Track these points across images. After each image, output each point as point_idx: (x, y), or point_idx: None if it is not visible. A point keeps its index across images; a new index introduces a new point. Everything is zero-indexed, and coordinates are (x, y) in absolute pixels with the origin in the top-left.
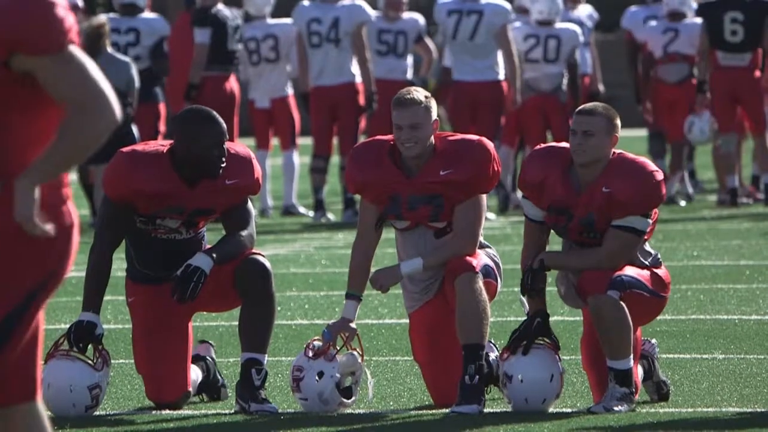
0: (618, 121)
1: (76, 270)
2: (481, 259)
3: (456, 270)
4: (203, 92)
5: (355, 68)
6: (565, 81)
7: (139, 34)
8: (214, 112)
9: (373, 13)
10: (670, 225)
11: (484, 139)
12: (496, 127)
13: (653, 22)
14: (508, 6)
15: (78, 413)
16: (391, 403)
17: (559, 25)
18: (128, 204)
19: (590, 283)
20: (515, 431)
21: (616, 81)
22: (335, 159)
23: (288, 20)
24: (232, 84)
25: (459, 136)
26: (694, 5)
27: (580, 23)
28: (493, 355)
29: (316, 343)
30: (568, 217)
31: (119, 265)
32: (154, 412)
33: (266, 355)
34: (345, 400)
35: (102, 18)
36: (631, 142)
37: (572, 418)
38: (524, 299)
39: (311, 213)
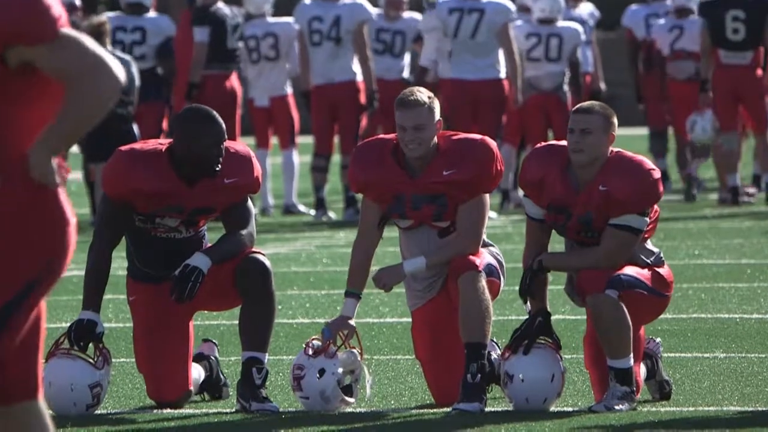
0: (615, 120)
1: (76, 269)
2: (484, 257)
3: (459, 269)
4: (204, 91)
5: (356, 67)
6: (567, 80)
7: (145, 33)
8: (214, 112)
9: (374, 11)
10: (671, 223)
11: (487, 139)
12: (497, 126)
13: (661, 20)
14: (509, 4)
15: (79, 412)
16: (392, 402)
17: (560, 23)
18: (127, 202)
19: (588, 283)
20: (517, 430)
21: (616, 79)
22: (336, 158)
23: (288, 19)
24: (233, 83)
25: (462, 135)
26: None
27: (581, 21)
28: (495, 354)
29: (316, 342)
30: (567, 216)
31: (120, 264)
32: (155, 411)
33: (267, 354)
34: (346, 398)
35: (102, 17)
36: (631, 140)
37: (573, 417)
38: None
39: (312, 212)
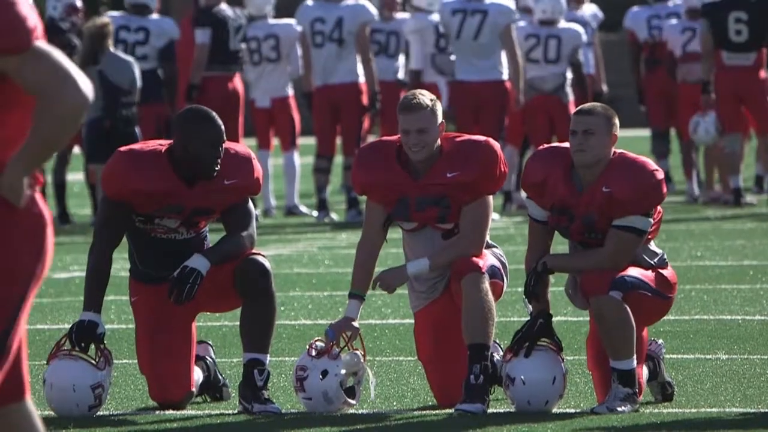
0: (617, 121)
1: (78, 270)
2: (487, 259)
3: (462, 270)
4: (206, 92)
5: (358, 68)
6: (569, 81)
7: (148, 34)
8: (213, 113)
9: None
10: (674, 225)
11: (491, 140)
12: (499, 127)
13: (673, 21)
14: (512, 6)
15: (81, 413)
16: (395, 404)
17: (561, 24)
18: (127, 203)
19: (592, 284)
20: (519, 431)
21: (618, 81)
22: (338, 159)
23: (289, 20)
24: (236, 84)
25: (465, 136)
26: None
27: (583, 23)
28: (497, 356)
29: (319, 343)
30: (570, 218)
31: (123, 265)
32: (157, 412)
33: (268, 355)
34: (349, 400)
35: (105, 18)
36: (633, 142)
37: (575, 419)
38: (527, 300)
39: (314, 213)
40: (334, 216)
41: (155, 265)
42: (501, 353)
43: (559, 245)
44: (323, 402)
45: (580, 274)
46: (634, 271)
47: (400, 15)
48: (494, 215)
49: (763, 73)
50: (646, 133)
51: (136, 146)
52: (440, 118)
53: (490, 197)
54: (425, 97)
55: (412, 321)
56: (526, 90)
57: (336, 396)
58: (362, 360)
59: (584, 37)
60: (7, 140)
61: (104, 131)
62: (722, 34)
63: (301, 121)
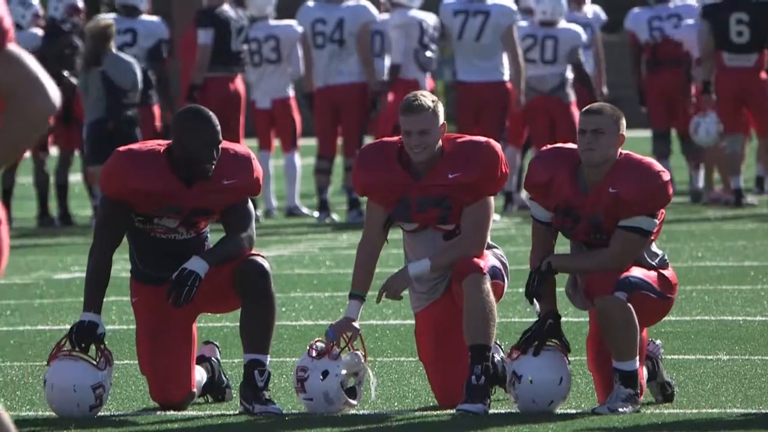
0: (624, 121)
1: (79, 271)
2: (488, 260)
3: (464, 271)
4: (207, 93)
5: (359, 69)
6: (569, 82)
7: (136, 35)
8: (210, 113)
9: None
10: (675, 226)
11: (492, 141)
12: (501, 128)
13: (689, 21)
14: (514, 7)
15: (82, 413)
16: (396, 404)
17: (561, 25)
18: (125, 203)
19: (597, 285)
20: None
21: (619, 82)
22: (338, 159)
23: (290, 21)
24: (237, 85)
25: (467, 137)
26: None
27: (584, 24)
28: (498, 357)
29: (319, 344)
30: (574, 218)
31: (123, 266)
32: (158, 412)
33: (269, 356)
34: (350, 400)
35: (109, 20)
36: (634, 143)
37: (576, 419)
38: (528, 300)
39: (315, 214)
40: (335, 216)
41: (155, 266)
42: (502, 354)
43: (560, 246)
44: (324, 403)
45: (582, 275)
46: (637, 272)
47: (384, 15)
48: (495, 216)
49: (764, 75)
50: (646, 134)
51: (134, 146)
52: (442, 119)
53: (491, 198)
54: (427, 98)
55: (413, 322)
56: (525, 91)
57: (337, 397)
58: (363, 360)
59: (583, 38)
60: None
61: (107, 132)
62: (723, 35)
63: (301, 122)
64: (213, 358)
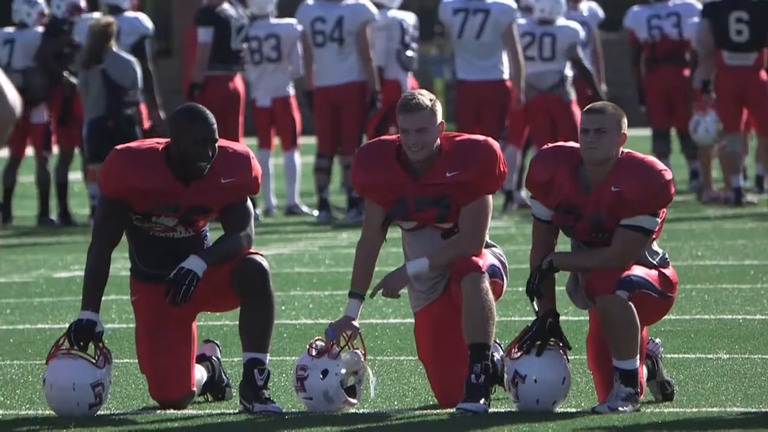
0: (625, 120)
1: (78, 269)
2: (487, 258)
3: (462, 270)
4: (206, 92)
5: (358, 67)
6: (569, 79)
7: (118, 33)
8: (206, 111)
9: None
10: (675, 224)
11: (490, 140)
12: (500, 127)
13: (695, 18)
14: (514, 5)
15: (82, 411)
16: (396, 403)
17: (559, 22)
18: (123, 201)
19: (599, 283)
20: (520, 431)
21: (618, 80)
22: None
23: (291, 20)
24: (237, 83)
25: (465, 136)
26: (699, 5)
27: (582, 22)
28: (497, 355)
29: (319, 342)
30: (576, 217)
31: (123, 264)
32: (158, 411)
33: (268, 355)
34: (350, 399)
35: (110, 18)
36: (634, 141)
37: (577, 418)
38: (529, 298)
39: (315, 212)
40: (338, 215)
41: (154, 264)
42: (501, 353)
43: (561, 245)
44: (324, 401)
45: (583, 274)
46: (639, 271)
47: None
48: (495, 215)
49: (763, 74)
50: (646, 132)
51: (132, 144)
52: (440, 118)
53: (490, 197)
54: (425, 96)
55: (413, 320)
56: (526, 88)
57: (336, 395)
58: (363, 359)
59: (582, 35)
60: None
61: (107, 131)
62: (723, 34)
63: (301, 121)
64: (213, 357)
